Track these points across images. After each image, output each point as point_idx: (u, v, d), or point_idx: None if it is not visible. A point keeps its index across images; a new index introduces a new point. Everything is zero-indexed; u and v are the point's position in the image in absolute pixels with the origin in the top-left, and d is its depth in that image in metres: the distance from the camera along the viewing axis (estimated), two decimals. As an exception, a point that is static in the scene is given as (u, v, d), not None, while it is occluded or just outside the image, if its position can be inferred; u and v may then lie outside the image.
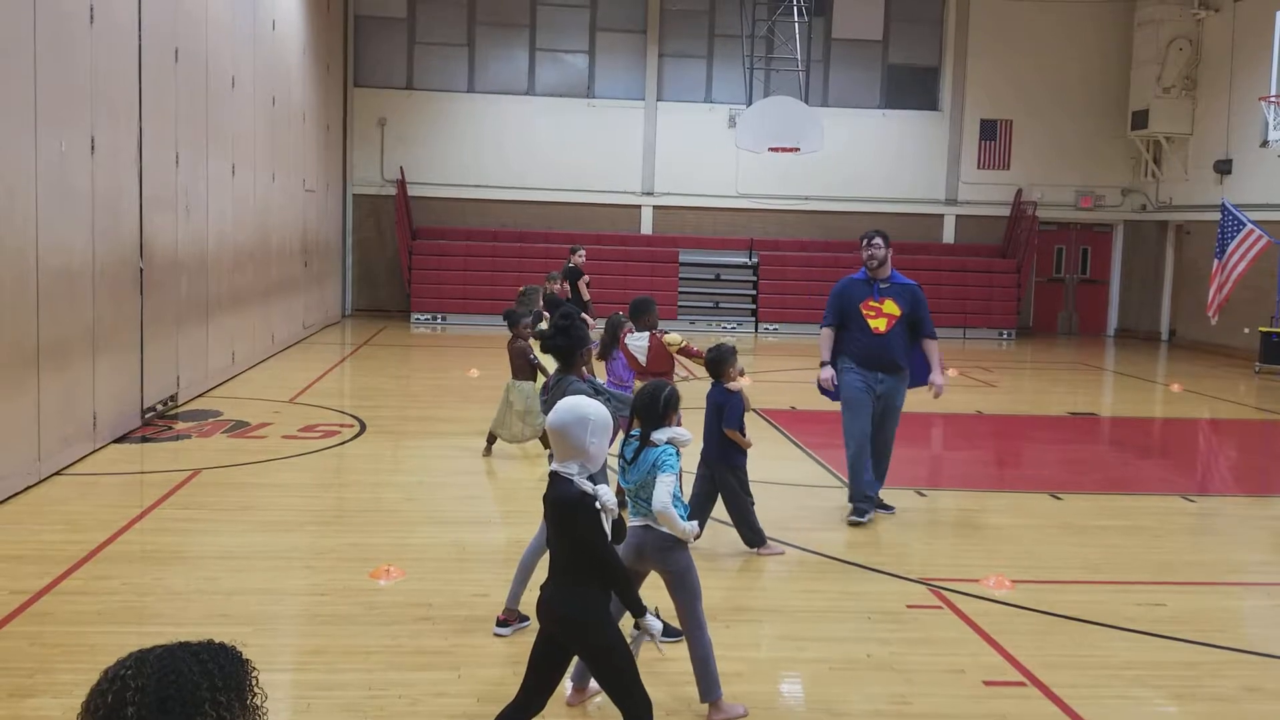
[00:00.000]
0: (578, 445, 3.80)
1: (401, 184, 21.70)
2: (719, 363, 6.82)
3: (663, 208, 22.67)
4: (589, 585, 3.80)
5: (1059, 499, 8.73)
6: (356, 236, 22.20)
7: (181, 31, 11.16)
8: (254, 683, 1.99)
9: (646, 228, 22.69)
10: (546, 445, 9.20)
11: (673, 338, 7.96)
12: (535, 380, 9.25)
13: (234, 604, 5.75)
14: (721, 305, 22.12)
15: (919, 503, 8.48)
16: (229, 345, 13.15)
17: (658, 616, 4.04)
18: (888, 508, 7.95)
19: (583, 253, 14.02)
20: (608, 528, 3.81)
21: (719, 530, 6.99)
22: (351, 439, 10.08)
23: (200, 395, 11.86)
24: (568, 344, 5.53)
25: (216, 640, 2.02)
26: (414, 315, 21.29)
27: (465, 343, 18.52)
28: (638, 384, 7.27)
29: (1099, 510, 8.48)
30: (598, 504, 3.77)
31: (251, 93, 14.11)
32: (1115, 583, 6.64)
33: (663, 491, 4.42)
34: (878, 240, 7.72)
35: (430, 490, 8.44)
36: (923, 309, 7.86)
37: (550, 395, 5.53)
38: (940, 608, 6.03)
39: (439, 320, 21.25)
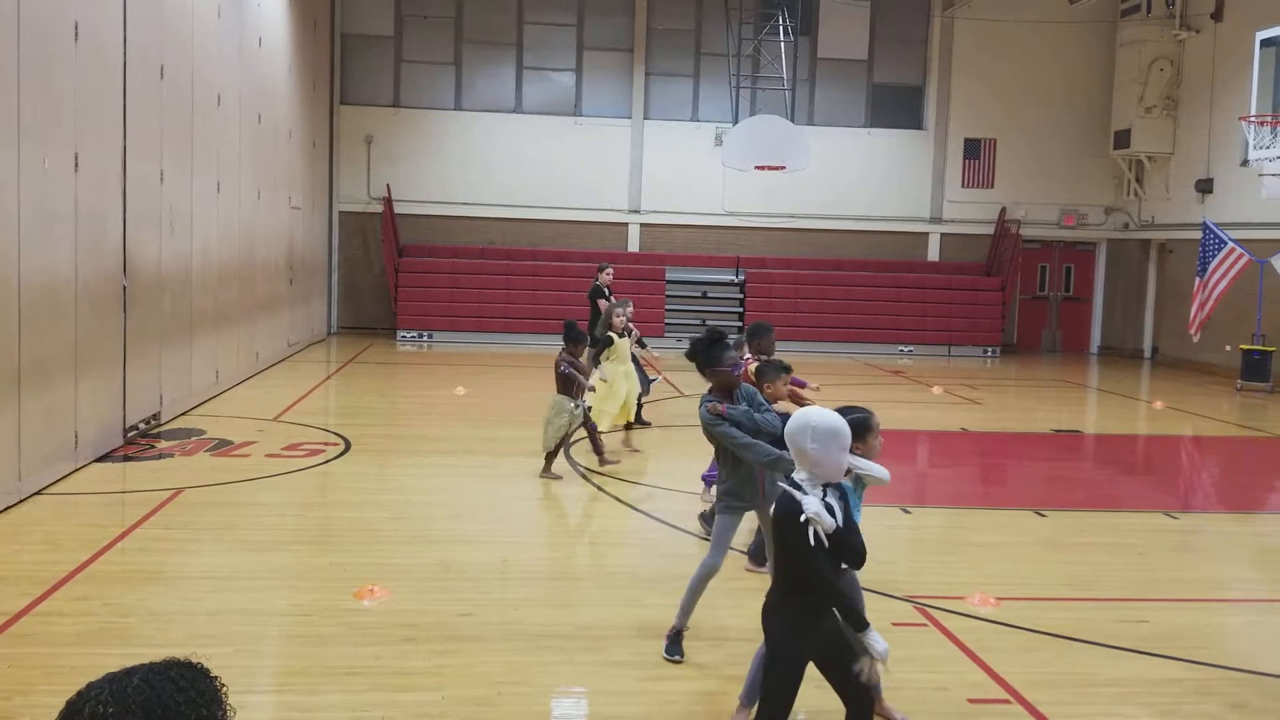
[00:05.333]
0: (799, 449, 3.82)
1: (388, 201, 21.71)
2: (760, 376, 6.83)
3: (650, 225, 22.72)
4: (793, 595, 3.81)
5: (1043, 516, 8.76)
6: (342, 254, 22.17)
7: (167, 49, 11.16)
8: (225, 699, 1.95)
9: (634, 245, 22.74)
10: (548, 454, 9.43)
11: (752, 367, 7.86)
12: (570, 394, 9.41)
13: (215, 625, 5.70)
14: (708, 323, 22.13)
15: (905, 520, 8.48)
16: (213, 363, 13.09)
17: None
18: None
19: (609, 271, 13.89)
20: (813, 538, 3.68)
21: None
22: (336, 458, 10.04)
23: (183, 414, 11.80)
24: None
25: (183, 659, 1.97)
26: (400, 333, 21.25)
27: (452, 360, 18.49)
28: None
29: (1083, 527, 8.51)
30: (803, 517, 3.68)
31: (237, 110, 14.11)
32: (1099, 599, 6.66)
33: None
34: None
35: (416, 509, 8.39)
36: None
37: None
38: (925, 625, 6.03)
39: (425, 338, 21.22)
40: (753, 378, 7.63)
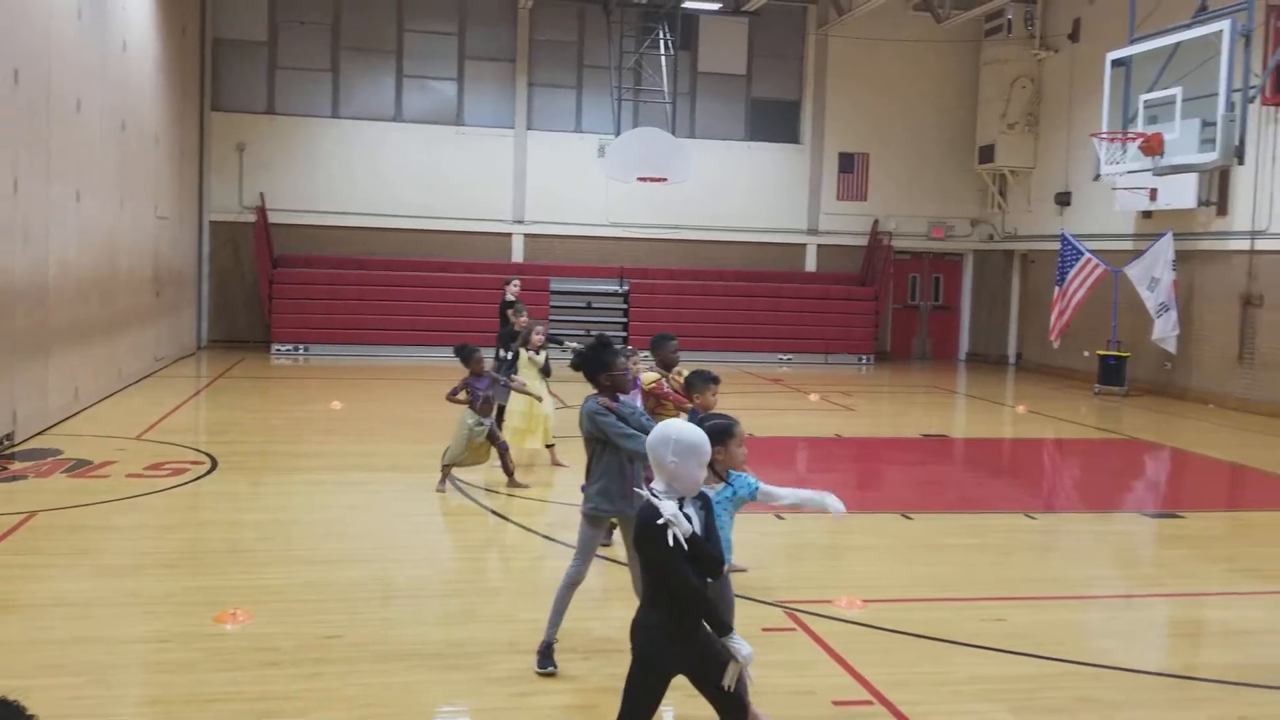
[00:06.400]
0: (659, 461, 3.88)
1: (261, 210, 21.17)
2: (689, 388, 6.84)
3: (534, 236, 22.68)
4: (659, 607, 3.82)
5: (910, 519, 9.02)
6: (213, 265, 21.54)
7: (21, 52, 10.67)
8: None
9: (518, 256, 22.66)
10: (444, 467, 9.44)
11: (648, 377, 7.86)
12: (477, 410, 9.42)
13: (68, 654, 5.47)
14: (593, 333, 22.10)
15: (779, 526, 8.63)
16: (71, 380, 12.56)
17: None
18: None
19: (516, 283, 13.80)
20: (672, 539, 3.74)
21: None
22: (202, 476, 9.73)
23: (39, 433, 11.27)
24: None
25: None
26: (274, 346, 20.72)
27: (329, 374, 18.11)
28: None
29: (948, 529, 8.79)
30: (661, 520, 3.73)
31: (99, 116, 13.59)
32: (961, 599, 6.89)
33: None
34: None
35: (284, 528, 8.18)
36: None
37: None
38: (794, 630, 6.15)
39: (301, 351, 20.73)
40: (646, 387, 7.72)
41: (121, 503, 8.67)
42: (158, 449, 10.88)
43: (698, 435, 3.90)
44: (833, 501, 4.79)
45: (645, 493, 3.88)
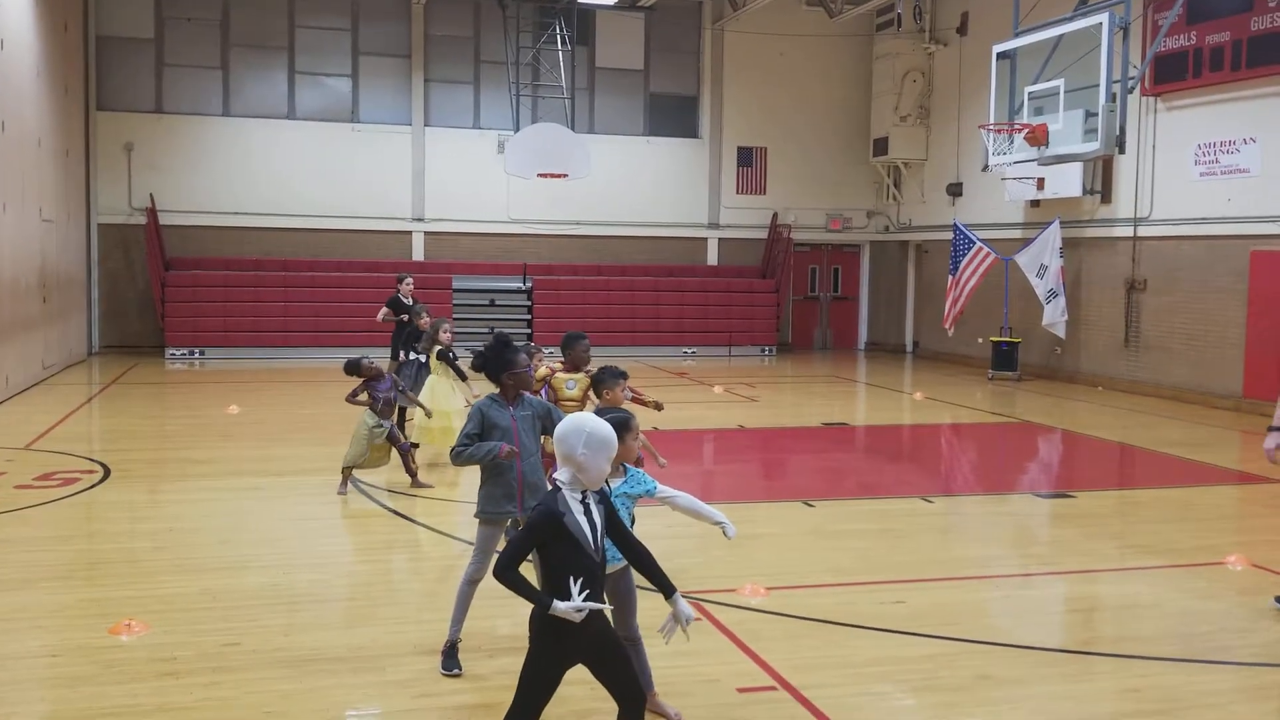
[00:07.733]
0: (568, 453, 3.91)
1: (152, 212, 20.56)
2: (599, 384, 6.82)
3: (434, 233, 22.46)
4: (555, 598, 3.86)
5: (812, 506, 9.19)
6: (103, 268, 20.86)
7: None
8: None
9: (418, 254, 22.41)
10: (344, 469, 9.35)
11: (543, 371, 7.80)
12: (377, 411, 9.35)
13: (-48, 675, 5.27)
14: (496, 330, 21.95)
15: (683, 517, 8.68)
16: (-49, 390, 12.05)
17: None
18: None
19: (409, 281, 13.66)
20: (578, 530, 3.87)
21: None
22: (94, 486, 9.43)
23: (-83, 447, 10.81)
24: None
25: None
26: (169, 350, 20.15)
27: (225, 378, 17.68)
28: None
29: (849, 515, 8.99)
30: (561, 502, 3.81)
31: (-27, 116, 13.05)
32: (861, 584, 7.05)
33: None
34: None
35: (181, 536, 7.98)
36: None
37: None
38: (699, 619, 6.22)
39: (196, 355, 20.20)
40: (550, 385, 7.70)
41: (11, 515, 8.36)
42: (48, 459, 10.52)
43: (609, 431, 3.98)
44: (729, 525, 4.89)
45: (562, 485, 3.92)
